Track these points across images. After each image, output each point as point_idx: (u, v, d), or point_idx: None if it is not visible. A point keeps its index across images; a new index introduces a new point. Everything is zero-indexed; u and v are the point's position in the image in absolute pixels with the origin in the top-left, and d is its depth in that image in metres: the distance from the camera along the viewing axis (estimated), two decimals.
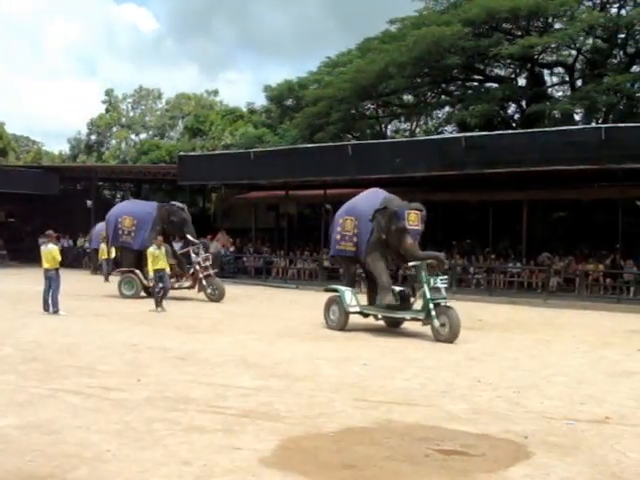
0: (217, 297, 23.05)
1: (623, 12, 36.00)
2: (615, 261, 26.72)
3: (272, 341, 15.03)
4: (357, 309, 17.10)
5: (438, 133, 43.09)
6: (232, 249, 35.88)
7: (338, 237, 17.87)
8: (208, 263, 23.34)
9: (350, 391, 10.24)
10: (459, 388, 10.69)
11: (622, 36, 36.79)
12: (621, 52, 37.95)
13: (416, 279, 16.66)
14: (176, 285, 23.38)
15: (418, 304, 16.46)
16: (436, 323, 15.36)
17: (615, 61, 37.93)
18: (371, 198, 17.55)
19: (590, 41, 36.53)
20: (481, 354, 13.96)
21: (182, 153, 41.65)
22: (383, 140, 38.46)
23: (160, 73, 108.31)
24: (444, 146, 27.45)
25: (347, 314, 16.96)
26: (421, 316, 15.86)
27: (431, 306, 15.43)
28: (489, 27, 36.78)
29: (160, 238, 21.35)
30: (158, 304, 20.10)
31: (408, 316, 16.51)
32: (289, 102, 47.94)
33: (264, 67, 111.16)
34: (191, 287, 23.61)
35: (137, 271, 23.63)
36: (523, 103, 38.92)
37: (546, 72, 40.31)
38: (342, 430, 8.20)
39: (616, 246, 26.69)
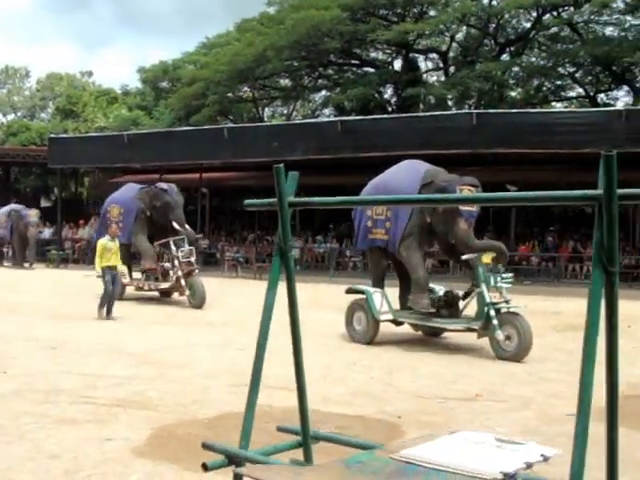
0: (197, 302, 18.36)
1: (495, 2, 37.03)
2: None
3: (146, 328, 14.76)
4: (389, 316, 13.48)
5: (315, 117, 43.32)
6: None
7: (369, 224, 14.05)
8: (192, 258, 19.05)
9: (226, 377, 10.13)
10: (336, 371, 10.75)
11: (493, 25, 37.92)
12: (492, 41, 39.12)
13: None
14: (146, 287, 19.87)
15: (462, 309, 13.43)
16: (499, 335, 11.77)
17: (487, 49, 39.06)
18: (408, 171, 13.98)
19: (463, 29, 37.46)
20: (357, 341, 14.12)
21: (53, 135, 40.32)
22: (260, 123, 38.37)
23: (32, 51, 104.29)
24: (320, 130, 27.66)
25: (377, 323, 13.32)
26: (476, 325, 12.36)
27: (492, 313, 11.92)
28: (366, 12, 37.20)
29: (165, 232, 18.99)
30: (102, 306, 16.23)
31: (459, 326, 12.95)
32: (164, 84, 47.20)
33: (145, 46, 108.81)
34: (174, 288, 19.35)
35: (120, 267, 20.02)
36: (399, 88, 39.55)
37: (421, 58, 41.15)
38: (218, 416, 8.10)
39: (487, 229, 27.50)
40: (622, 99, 41.28)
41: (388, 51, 40.65)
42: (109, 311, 16.06)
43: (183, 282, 18.55)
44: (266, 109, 47.99)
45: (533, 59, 39.63)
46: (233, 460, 3.91)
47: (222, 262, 30.75)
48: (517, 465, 3.21)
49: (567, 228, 29.75)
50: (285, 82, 44.33)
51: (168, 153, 30.02)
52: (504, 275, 12.37)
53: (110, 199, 22.36)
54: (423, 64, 41.59)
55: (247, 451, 3.95)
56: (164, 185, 21.00)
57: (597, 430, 5.91)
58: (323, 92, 43.61)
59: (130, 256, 21.09)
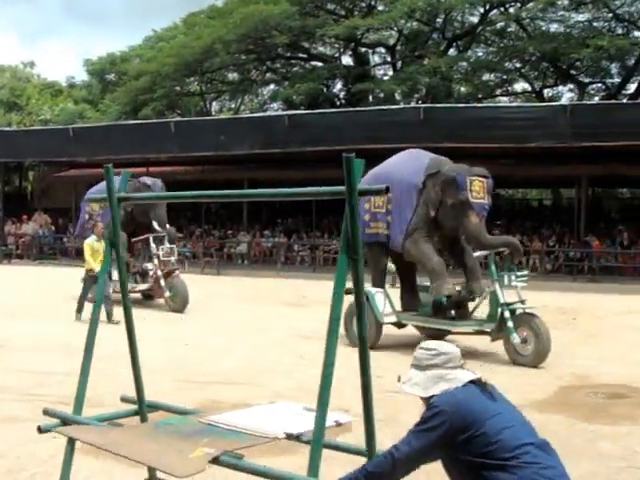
0: (178, 305, 16.85)
1: None
2: None
3: (111, 326, 14.55)
4: (393, 318, 12.61)
5: (263, 111, 43.18)
6: (52, 229, 34.59)
7: (367, 217, 12.86)
8: (172, 258, 17.58)
9: (175, 373, 10.09)
10: (284, 365, 10.76)
11: (440, 20, 38.18)
12: (440, 35, 39.40)
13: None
14: (129, 287, 18.77)
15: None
16: (515, 339, 11.02)
17: (434, 44, 39.36)
18: (411, 161, 12.93)
19: (411, 24, 37.67)
20: (307, 330, 14.12)
21: None
22: (206, 117, 38.15)
23: None
24: (268, 124, 27.64)
25: (380, 326, 12.40)
26: (489, 327, 11.54)
27: (507, 314, 11.14)
28: (315, 7, 37.20)
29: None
30: (79, 311, 15.12)
31: (469, 328, 12.08)
32: (111, 77, 46.63)
33: (91, 38, 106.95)
34: (152, 290, 17.84)
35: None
36: (348, 82, 39.64)
37: (369, 52, 41.25)
38: (166, 414, 8.04)
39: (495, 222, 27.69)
40: (567, 94, 41.97)
41: (336, 45, 40.70)
42: (110, 315, 14.61)
43: (163, 282, 17.03)
44: (214, 103, 47.68)
45: (480, 54, 39.99)
46: (67, 424, 4.37)
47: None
48: (304, 428, 3.83)
49: (513, 222, 30.11)
50: (233, 76, 44.06)
51: (114, 147, 29.62)
52: (519, 273, 11.48)
53: (89, 193, 20.30)
54: (371, 58, 41.72)
55: (81, 417, 4.46)
56: (148, 180, 19.08)
57: (533, 419, 5.98)
58: (271, 86, 43.51)
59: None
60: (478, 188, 11.73)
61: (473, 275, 12.22)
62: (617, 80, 39.20)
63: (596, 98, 39.49)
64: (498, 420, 3.25)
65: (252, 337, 13.32)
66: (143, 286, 17.98)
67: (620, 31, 36.88)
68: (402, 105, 33.47)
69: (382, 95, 37.54)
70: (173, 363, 10.81)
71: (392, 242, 12.59)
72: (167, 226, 18.17)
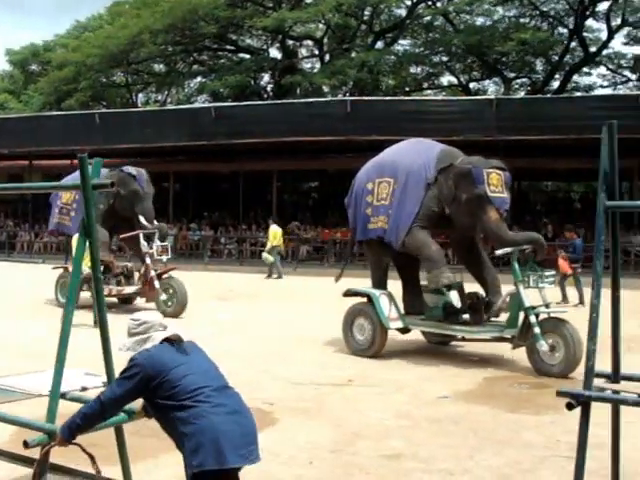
0: (174, 307, 15.05)
1: None
2: None
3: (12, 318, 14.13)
4: (400, 323, 11.24)
5: (190, 103, 42.73)
6: None
7: (369, 211, 11.59)
8: (165, 256, 15.84)
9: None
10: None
11: (368, 14, 38.27)
12: (368, 29, 39.52)
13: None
14: (114, 291, 16.04)
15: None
16: (542, 346, 9.77)
17: (362, 37, 39.47)
18: (419, 152, 11.65)
19: (339, 17, 37.67)
20: (232, 324, 13.97)
21: None
22: (132, 109, 37.56)
23: None
24: (194, 116, 27.37)
25: (385, 331, 11.13)
26: (509, 333, 10.40)
27: (533, 319, 9.96)
28: None
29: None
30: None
31: (487, 334, 10.86)
32: (34, 67, 45.58)
33: (14, 27, 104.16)
34: (141, 293, 16.02)
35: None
36: (276, 75, 39.48)
37: (297, 44, 41.16)
38: None
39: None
40: (493, 88, 42.54)
41: (264, 38, 40.50)
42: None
43: (157, 284, 15.22)
44: (140, 95, 47.06)
45: (408, 47, 40.26)
46: None
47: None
48: (70, 387, 4.68)
49: None
50: (160, 67, 43.54)
51: (37, 139, 28.92)
52: (546, 273, 10.38)
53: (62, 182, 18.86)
54: (299, 51, 41.65)
55: None
56: (132, 170, 17.00)
57: (458, 409, 5.93)
58: (198, 78, 43.07)
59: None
60: (496, 181, 10.73)
61: (495, 290, 11.10)
62: (542, 75, 39.91)
63: (521, 93, 40.15)
64: (182, 369, 3.95)
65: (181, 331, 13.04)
66: (130, 288, 16.02)
67: (545, 27, 37.53)
68: (330, 98, 33.45)
69: (310, 88, 37.48)
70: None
71: (388, 236, 11.26)
72: (155, 221, 16.51)
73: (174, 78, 42.48)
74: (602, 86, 41.09)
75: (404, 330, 11.45)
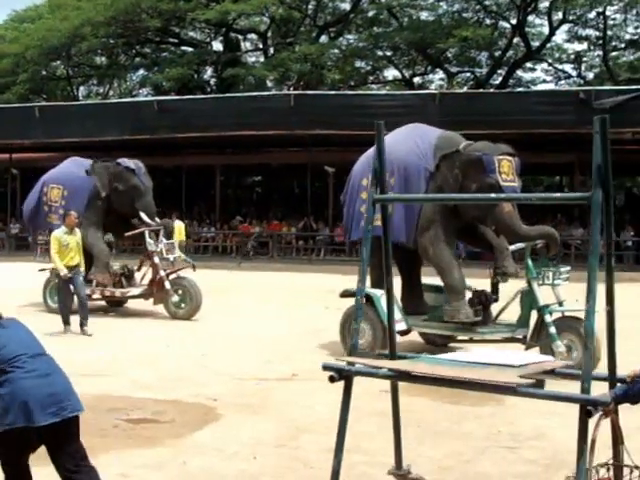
0: (187, 310, 14.09)
1: None
2: (307, 224, 27.84)
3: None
4: (403, 325, 10.45)
5: (132, 97, 42.25)
6: None
7: (364, 209, 10.23)
8: (173, 255, 14.90)
9: None
10: (149, 355, 10.49)
11: (312, 7, 38.25)
12: (312, 22, 39.50)
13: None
14: (118, 292, 14.92)
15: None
16: (559, 347, 9.24)
17: (306, 30, 39.44)
18: (415, 139, 10.89)
19: (282, 10, 37.60)
20: (174, 320, 13.88)
21: None
22: (73, 102, 37.02)
23: None
24: (136, 109, 27.14)
25: (386, 334, 10.46)
26: (521, 333, 9.80)
27: (548, 318, 9.41)
28: None
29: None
30: (66, 323, 12.37)
31: (498, 335, 10.18)
32: None
33: None
34: (146, 296, 14.77)
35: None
36: (218, 68, 39.25)
37: (240, 38, 40.98)
38: None
39: (307, 209, 27.81)
40: (437, 82, 42.88)
41: (207, 31, 40.24)
42: (83, 324, 12.22)
43: (168, 285, 14.07)
44: (81, 88, 46.35)
45: (352, 41, 40.35)
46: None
47: (34, 247, 29.37)
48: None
49: None
50: (101, 60, 43.01)
51: None
52: (562, 269, 9.66)
53: (47, 177, 16.73)
54: (243, 44, 41.48)
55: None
56: (130, 162, 15.72)
57: (400, 402, 5.97)
58: (141, 71, 42.66)
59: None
60: (507, 169, 9.98)
61: (502, 253, 10.30)
62: (485, 70, 40.33)
63: (465, 87, 40.51)
64: (1, 341, 4.32)
65: (115, 330, 12.93)
66: (136, 290, 14.87)
67: (488, 22, 37.89)
68: (273, 92, 33.39)
69: (253, 81, 37.35)
70: None
71: (394, 235, 9.33)
72: (157, 219, 15.37)
73: (116, 71, 42.00)
74: (544, 81, 41.78)
75: (405, 332, 10.66)
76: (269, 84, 37.89)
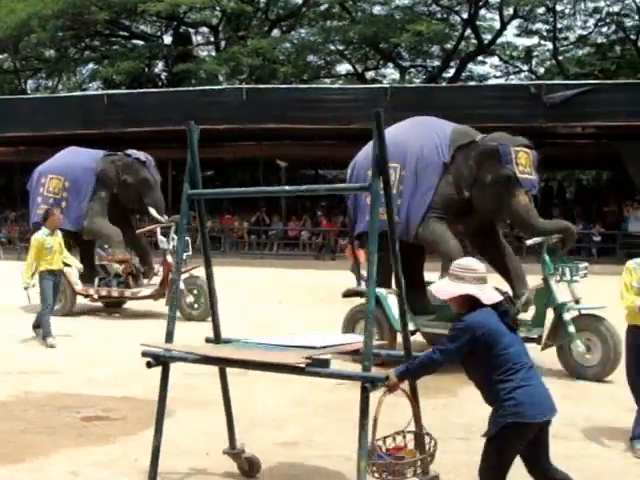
0: (202, 311, 13.37)
1: None
2: (259, 218, 27.78)
3: None
4: (411, 325, 9.24)
5: (82, 90, 41.71)
6: None
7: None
8: (185, 253, 12.94)
9: None
10: (103, 354, 10.39)
11: (264, 1, 38.16)
12: (264, 16, 39.37)
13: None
14: (128, 292, 14.11)
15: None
16: (579, 347, 8.90)
17: (258, 24, 39.30)
18: (428, 130, 10.44)
19: (234, 4, 37.42)
20: (125, 318, 13.76)
21: None
22: (21, 96, 36.44)
23: None
24: (86, 103, 26.74)
25: (395, 335, 9.66)
26: (536, 333, 9.25)
27: (567, 317, 9.00)
28: None
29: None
30: (45, 336, 11.21)
31: None
32: None
33: None
34: (156, 296, 13.88)
35: (66, 269, 12.58)
36: (170, 62, 38.96)
37: (192, 31, 40.72)
38: None
39: (260, 203, 27.76)
40: (390, 76, 43.01)
41: (158, 24, 39.91)
42: (47, 332, 11.12)
43: (182, 285, 12.99)
44: (30, 81, 45.66)
45: (304, 35, 40.30)
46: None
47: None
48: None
49: (336, 203, 30.50)
50: (50, 53, 42.34)
51: None
52: (580, 265, 9.29)
53: (45, 167, 15.53)
54: (194, 38, 41.23)
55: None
56: (140, 154, 14.89)
57: (354, 396, 6.00)
58: (90, 65, 42.10)
59: (86, 247, 15.28)
60: (524, 161, 9.63)
61: (520, 280, 9.95)
62: (437, 63, 40.57)
63: (417, 80, 40.71)
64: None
65: (69, 327, 12.76)
66: (145, 291, 13.97)
67: (439, 16, 38.09)
68: (225, 86, 33.20)
69: (205, 76, 37.11)
70: None
71: (401, 230, 9.61)
72: (165, 216, 14.60)
73: (65, 64, 41.39)
74: (495, 76, 42.20)
75: (412, 333, 9.72)
76: (221, 78, 37.65)
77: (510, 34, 41.20)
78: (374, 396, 4.60)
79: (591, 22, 39.69)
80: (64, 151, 16.09)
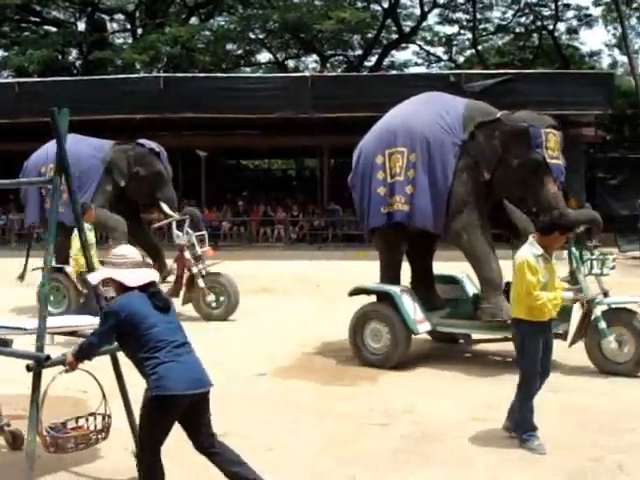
0: (224, 311, 12.61)
1: None
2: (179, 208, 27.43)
3: None
4: (428, 325, 9.15)
5: None
6: None
7: (382, 191, 9.39)
8: (202, 249, 12.80)
9: None
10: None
11: None
12: (182, 3, 38.92)
13: None
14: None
15: None
16: (611, 343, 8.28)
17: (176, 12, 38.81)
18: (436, 108, 9.58)
19: None
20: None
21: None
22: None
23: None
24: None
25: (410, 337, 9.01)
26: (562, 329, 8.51)
27: (598, 312, 8.38)
28: None
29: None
30: None
31: None
32: None
33: None
34: (172, 294, 12.29)
35: (68, 268, 12.14)
36: (84, 50, 38.15)
37: (106, 18, 39.94)
38: None
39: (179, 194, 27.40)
40: (312, 65, 42.99)
41: (71, 10, 39.00)
42: None
43: (202, 283, 12.38)
44: None
45: (223, 23, 39.91)
46: None
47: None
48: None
49: (258, 192, 30.40)
50: None
51: None
52: (610, 257, 8.72)
53: (42, 157, 13.77)
54: (109, 25, 40.44)
55: None
56: (153, 144, 13.69)
57: (275, 385, 5.89)
58: (0, 52, 40.80)
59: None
60: (553, 144, 8.82)
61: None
62: (359, 53, 40.70)
63: (339, 70, 40.77)
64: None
65: None
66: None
67: (360, 4, 38.15)
68: (142, 74, 32.65)
69: (121, 64, 36.43)
70: None
71: (419, 219, 9.13)
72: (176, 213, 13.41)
73: None
74: (417, 64, 42.59)
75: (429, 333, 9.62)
76: (138, 66, 36.98)
77: (431, 22, 41.56)
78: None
79: (510, 12, 40.44)
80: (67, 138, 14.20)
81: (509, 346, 7.88)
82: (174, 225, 12.88)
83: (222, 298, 12.56)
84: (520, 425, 6.08)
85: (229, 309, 12.56)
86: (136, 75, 30.34)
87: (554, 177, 8.76)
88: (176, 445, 5.09)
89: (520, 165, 8.73)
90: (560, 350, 8.52)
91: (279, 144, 29.00)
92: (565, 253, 8.91)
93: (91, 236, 10.43)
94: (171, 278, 13.01)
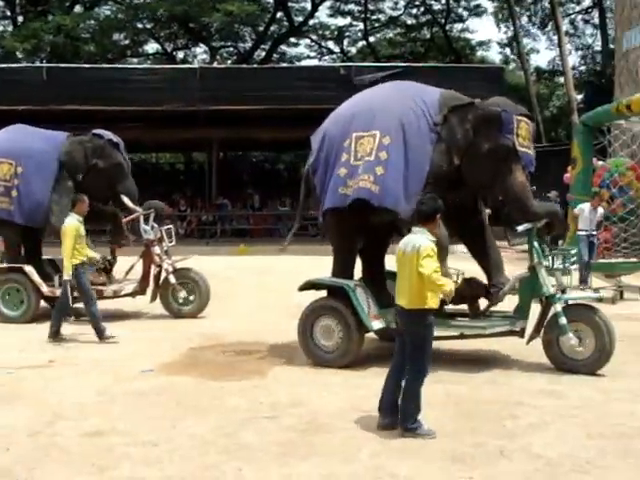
0: (194, 306, 12.22)
1: None
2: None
3: None
4: (382, 322, 8.64)
5: None
6: None
7: (342, 172, 8.86)
8: (169, 243, 12.35)
9: None
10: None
11: None
12: None
13: None
14: (109, 290, 12.11)
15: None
16: (570, 339, 8.03)
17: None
18: (411, 94, 9.20)
19: None
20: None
21: None
22: None
23: None
24: None
25: (364, 334, 8.71)
26: (520, 325, 8.43)
27: (558, 308, 8.15)
28: None
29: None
30: (101, 333, 10.20)
31: (497, 328, 8.57)
32: None
33: None
34: (139, 292, 12.34)
35: (28, 268, 11.92)
36: None
37: None
38: None
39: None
40: (201, 56, 42.61)
41: None
42: (102, 333, 10.19)
43: (173, 279, 11.99)
44: None
45: (109, 13, 39.10)
46: None
47: None
48: None
49: (145, 187, 29.83)
50: None
51: None
52: (572, 252, 8.74)
53: None
54: None
55: None
56: (112, 135, 12.75)
57: (161, 382, 5.88)
58: None
59: (34, 245, 13.08)
60: (525, 132, 8.61)
61: (499, 270, 9.05)
62: (249, 45, 40.58)
63: (229, 62, 40.59)
64: None
65: None
66: (128, 288, 12.29)
67: None
68: (24, 64, 31.67)
69: (2, 53, 35.26)
70: None
71: (388, 201, 8.53)
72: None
73: None
74: (309, 57, 42.78)
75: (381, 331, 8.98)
76: (20, 56, 35.82)
77: (323, 15, 41.90)
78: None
79: (401, 4, 41.00)
80: (10, 130, 13.33)
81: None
82: (142, 219, 12.20)
83: (192, 296, 12.19)
84: (411, 415, 6.16)
85: (201, 306, 12.22)
86: (18, 65, 29.40)
87: (523, 165, 8.57)
88: None
89: (490, 151, 8.48)
90: (453, 342, 8.90)
91: (166, 137, 28.64)
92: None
93: (82, 229, 10.20)
94: (134, 275, 12.59)
